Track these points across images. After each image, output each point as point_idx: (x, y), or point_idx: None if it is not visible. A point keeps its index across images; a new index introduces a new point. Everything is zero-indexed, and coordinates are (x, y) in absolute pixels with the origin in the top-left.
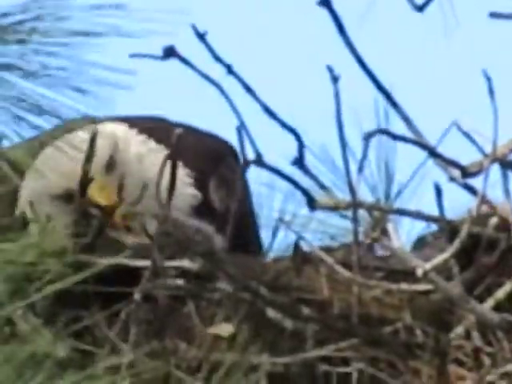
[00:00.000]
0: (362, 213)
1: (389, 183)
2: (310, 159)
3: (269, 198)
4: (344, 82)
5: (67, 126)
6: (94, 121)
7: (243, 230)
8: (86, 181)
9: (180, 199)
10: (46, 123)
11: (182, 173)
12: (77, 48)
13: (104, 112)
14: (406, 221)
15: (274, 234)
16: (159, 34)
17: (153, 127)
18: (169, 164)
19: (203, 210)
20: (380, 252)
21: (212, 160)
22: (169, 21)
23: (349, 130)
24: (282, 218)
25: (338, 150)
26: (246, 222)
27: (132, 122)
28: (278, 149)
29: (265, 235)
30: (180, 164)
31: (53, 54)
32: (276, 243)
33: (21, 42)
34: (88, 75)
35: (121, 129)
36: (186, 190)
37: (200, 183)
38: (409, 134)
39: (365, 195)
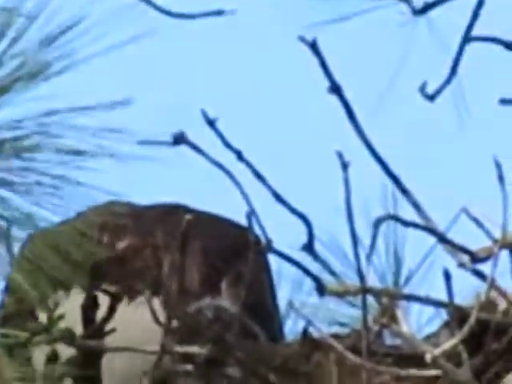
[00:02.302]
0: (370, 300)
1: (398, 269)
2: (318, 247)
3: (277, 283)
4: (354, 169)
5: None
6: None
7: (264, 328)
8: (97, 267)
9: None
10: None
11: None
12: (69, 167)
13: None
14: (415, 307)
15: (283, 321)
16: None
17: (167, 214)
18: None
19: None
20: (389, 338)
21: (226, 255)
22: (166, 146)
23: (358, 217)
24: (292, 305)
25: (347, 237)
26: (266, 320)
27: (148, 223)
28: (288, 235)
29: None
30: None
31: (44, 173)
32: (288, 327)
33: (12, 157)
34: (81, 196)
35: None
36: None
37: (211, 283)
38: (418, 220)
39: (374, 282)
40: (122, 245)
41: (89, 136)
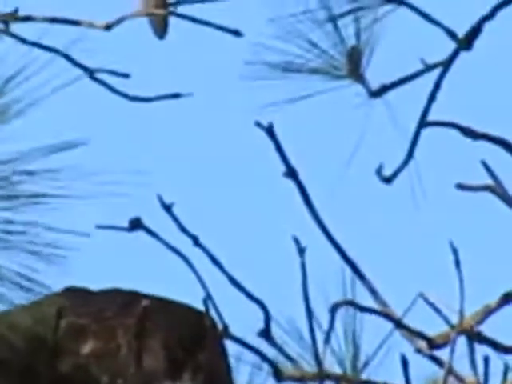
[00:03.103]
0: None
1: (356, 354)
2: (276, 331)
3: (235, 369)
4: (311, 254)
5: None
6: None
7: None
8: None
9: None
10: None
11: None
12: (32, 211)
13: (60, 278)
14: None
15: None
16: (116, 196)
17: (126, 305)
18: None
19: None
20: None
21: (186, 346)
22: (127, 182)
23: (315, 301)
24: None
25: (305, 321)
26: None
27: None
28: (245, 321)
29: None
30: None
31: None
32: None
33: None
34: (44, 238)
35: None
36: None
37: (174, 375)
38: (375, 306)
39: (332, 366)
40: (85, 349)
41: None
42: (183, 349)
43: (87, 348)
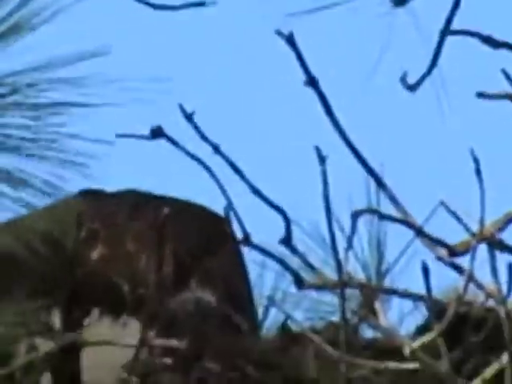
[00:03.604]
0: (354, 291)
1: (380, 261)
2: (302, 238)
3: (260, 276)
4: (333, 164)
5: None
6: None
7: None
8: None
9: None
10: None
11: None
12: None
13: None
14: (396, 300)
15: (266, 313)
16: (138, 103)
17: (139, 208)
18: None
19: None
20: (368, 331)
21: (195, 251)
22: (149, 89)
23: (339, 210)
24: (272, 297)
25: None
26: (241, 313)
27: (115, 203)
28: (268, 229)
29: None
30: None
31: (27, 127)
32: (268, 322)
33: None
34: (67, 146)
35: None
36: None
37: (180, 280)
38: (397, 214)
39: (357, 272)
40: (94, 255)
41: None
42: (191, 256)
43: (96, 254)
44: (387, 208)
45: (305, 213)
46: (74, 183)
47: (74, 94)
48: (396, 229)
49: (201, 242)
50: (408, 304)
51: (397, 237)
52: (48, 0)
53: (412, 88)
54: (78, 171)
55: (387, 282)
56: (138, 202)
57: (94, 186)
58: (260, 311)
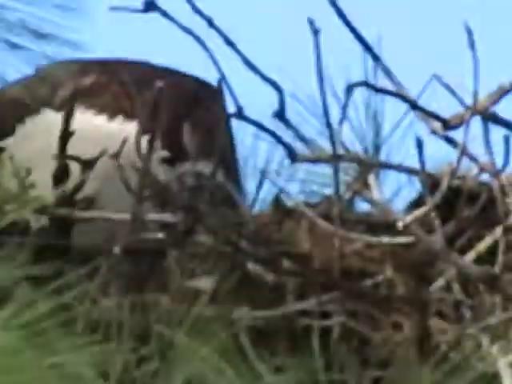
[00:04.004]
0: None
1: (377, 133)
2: (299, 110)
3: (254, 148)
4: (333, 36)
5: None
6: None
7: (224, 174)
8: (65, 135)
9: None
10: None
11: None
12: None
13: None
14: (392, 176)
15: (260, 185)
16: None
17: (136, 76)
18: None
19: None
20: (363, 206)
21: (187, 103)
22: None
23: (339, 84)
24: (265, 170)
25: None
26: (226, 167)
27: (113, 67)
28: (262, 105)
29: (250, 186)
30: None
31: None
32: (262, 194)
33: None
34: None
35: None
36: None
37: (173, 131)
38: (391, 88)
39: (354, 145)
40: (87, 81)
41: None
42: (184, 104)
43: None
44: (383, 82)
45: (302, 86)
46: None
47: None
48: (392, 103)
49: (189, 95)
50: (403, 178)
51: (393, 111)
52: None
53: None
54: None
55: (382, 157)
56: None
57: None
58: (253, 184)
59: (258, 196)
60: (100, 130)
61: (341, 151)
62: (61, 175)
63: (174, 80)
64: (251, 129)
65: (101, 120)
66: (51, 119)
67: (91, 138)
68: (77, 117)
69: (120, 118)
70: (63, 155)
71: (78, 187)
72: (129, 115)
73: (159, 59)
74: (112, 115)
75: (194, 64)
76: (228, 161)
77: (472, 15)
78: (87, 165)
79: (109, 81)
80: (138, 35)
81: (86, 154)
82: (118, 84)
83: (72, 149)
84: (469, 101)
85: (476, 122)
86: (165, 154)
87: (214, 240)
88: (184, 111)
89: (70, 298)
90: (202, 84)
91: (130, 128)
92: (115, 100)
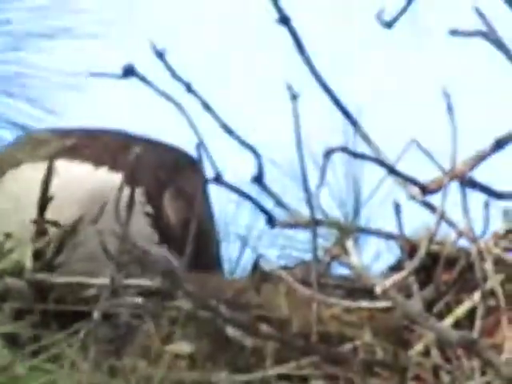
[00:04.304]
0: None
1: (357, 199)
2: (277, 176)
3: (236, 215)
4: (313, 103)
5: (27, 141)
6: (53, 139)
7: (202, 246)
8: (44, 200)
9: (137, 219)
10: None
11: (138, 191)
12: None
13: (56, 119)
14: (371, 240)
15: (241, 251)
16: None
17: (115, 147)
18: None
19: (158, 225)
20: (341, 270)
21: (168, 171)
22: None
23: (318, 149)
24: (246, 237)
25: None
26: (205, 237)
27: (90, 142)
28: (241, 168)
29: (232, 252)
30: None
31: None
32: (244, 259)
33: None
34: (38, 79)
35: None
36: (143, 208)
37: (154, 196)
38: (370, 153)
39: (332, 210)
40: (68, 142)
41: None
42: (165, 172)
43: None
44: (362, 147)
45: (280, 152)
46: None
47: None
48: (371, 169)
49: (171, 162)
50: (382, 243)
51: (372, 176)
52: None
53: (388, 24)
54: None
55: (362, 222)
56: (108, 142)
57: (63, 123)
58: (235, 250)
59: (239, 261)
60: (87, 176)
61: (320, 216)
62: (39, 239)
63: (153, 148)
64: (232, 195)
65: (87, 168)
66: (30, 174)
67: (79, 184)
68: (61, 166)
69: (105, 169)
70: (42, 220)
71: (57, 252)
72: (112, 168)
73: (137, 124)
74: (97, 165)
75: (172, 129)
76: (206, 231)
77: (451, 80)
78: (67, 231)
79: (90, 142)
80: (114, 101)
81: (73, 203)
82: (99, 145)
83: (61, 196)
84: (447, 166)
85: (454, 188)
86: (148, 208)
87: (193, 305)
88: (165, 178)
89: (48, 360)
90: (181, 153)
91: (116, 178)
92: (98, 155)
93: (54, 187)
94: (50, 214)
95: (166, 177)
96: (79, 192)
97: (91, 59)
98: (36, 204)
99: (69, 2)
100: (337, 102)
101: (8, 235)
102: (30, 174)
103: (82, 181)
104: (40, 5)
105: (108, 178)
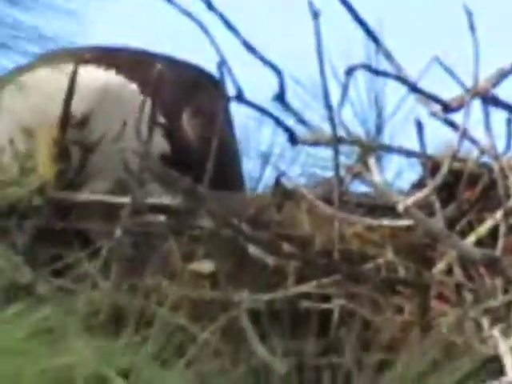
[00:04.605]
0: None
1: (379, 116)
2: (299, 94)
3: (257, 131)
4: (335, 20)
5: (47, 58)
6: (73, 53)
7: (223, 163)
8: (66, 117)
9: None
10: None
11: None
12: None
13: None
14: (395, 159)
15: (262, 169)
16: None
17: (134, 62)
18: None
19: (176, 143)
20: (363, 188)
21: (187, 89)
22: None
23: (341, 66)
24: (267, 154)
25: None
26: (226, 155)
27: (110, 55)
28: (263, 85)
29: (254, 170)
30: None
31: None
32: (265, 177)
33: None
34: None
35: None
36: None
37: (173, 114)
38: (392, 70)
39: (354, 127)
40: (86, 56)
41: None
42: (183, 91)
43: None
44: (384, 65)
45: (302, 70)
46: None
47: None
48: (393, 86)
49: (190, 81)
50: (404, 161)
51: (394, 93)
52: None
53: None
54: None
55: (384, 140)
56: (124, 57)
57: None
58: (257, 168)
59: (261, 179)
60: (96, 76)
61: (342, 134)
62: (61, 158)
63: (174, 65)
64: (254, 113)
65: (98, 71)
66: (45, 75)
67: (88, 82)
68: (85, 71)
69: (115, 72)
70: (64, 140)
71: (79, 170)
72: (128, 78)
73: (160, 44)
74: (117, 72)
75: (195, 48)
76: (227, 148)
77: None
78: (88, 149)
79: (106, 56)
80: (137, 20)
81: (81, 100)
82: (115, 58)
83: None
84: (469, 83)
85: (477, 105)
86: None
87: (215, 223)
88: (184, 96)
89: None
90: (201, 71)
91: (131, 85)
92: (113, 66)
93: (63, 85)
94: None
95: (186, 94)
96: (88, 89)
97: None
98: (55, 100)
99: None
100: (359, 19)
101: (29, 154)
102: (46, 75)
103: (91, 80)
104: None
105: (119, 81)
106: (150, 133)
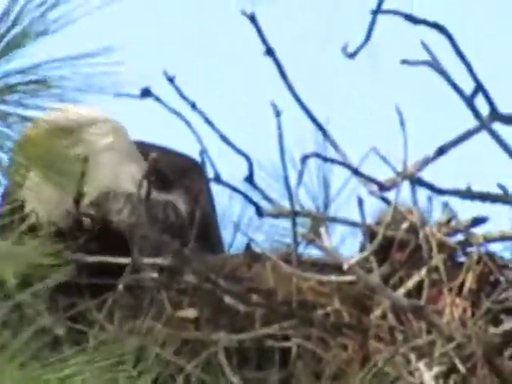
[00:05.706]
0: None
1: (326, 194)
2: (263, 176)
3: (230, 205)
4: (288, 119)
5: None
6: None
7: (206, 230)
8: (79, 196)
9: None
10: None
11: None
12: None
13: None
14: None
15: (234, 235)
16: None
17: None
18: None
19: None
20: (315, 252)
21: (178, 172)
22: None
23: (296, 154)
24: (238, 224)
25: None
26: (208, 224)
27: None
28: (234, 170)
29: (227, 236)
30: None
31: None
32: (237, 242)
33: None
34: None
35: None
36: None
37: (165, 189)
38: (338, 158)
39: (307, 203)
40: None
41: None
42: (172, 172)
43: None
44: (331, 153)
45: (266, 157)
46: None
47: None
48: (338, 170)
49: (177, 166)
50: (347, 230)
51: (339, 176)
52: None
53: (351, 55)
54: None
55: (331, 213)
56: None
57: None
58: (229, 235)
59: (233, 244)
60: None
61: (298, 208)
62: (76, 229)
63: (165, 154)
64: (228, 191)
65: None
66: None
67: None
68: None
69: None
70: (78, 212)
71: (91, 239)
72: None
73: (154, 137)
74: None
75: (181, 139)
76: (209, 219)
77: (402, 99)
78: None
79: None
80: (133, 117)
81: None
82: None
83: None
84: (400, 168)
85: (406, 185)
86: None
87: (197, 279)
88: (175, 178)
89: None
90: (188, 158)
91: None
92: None
93: None
94: None
95: (177, 177)
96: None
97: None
98: None
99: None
100: (311, 117)
101: (51, 223)
102: None
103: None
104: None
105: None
106: (146, 205)
